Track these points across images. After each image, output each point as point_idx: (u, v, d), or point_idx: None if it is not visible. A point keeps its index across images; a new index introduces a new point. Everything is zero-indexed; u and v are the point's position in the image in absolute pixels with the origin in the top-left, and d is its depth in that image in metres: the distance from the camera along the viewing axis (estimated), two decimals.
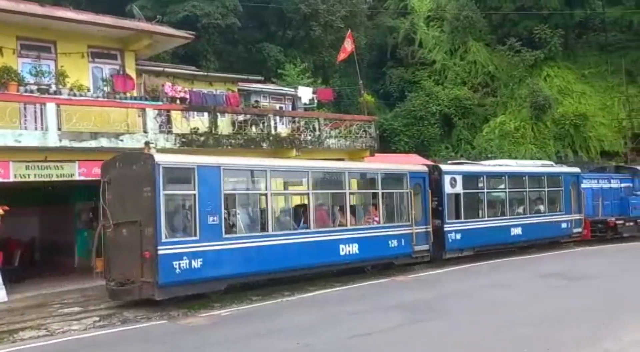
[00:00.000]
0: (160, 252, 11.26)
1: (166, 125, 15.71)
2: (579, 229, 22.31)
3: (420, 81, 38.07)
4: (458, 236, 17.79)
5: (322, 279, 14.77)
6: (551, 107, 35.38)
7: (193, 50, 29.21)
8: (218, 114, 16.80)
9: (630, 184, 25.41)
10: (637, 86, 37.48)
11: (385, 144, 32.07)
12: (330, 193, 15.23)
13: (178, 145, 15.53)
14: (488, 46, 39.51)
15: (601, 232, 23.57)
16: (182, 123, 16.39)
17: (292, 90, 23.35)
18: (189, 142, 15.76)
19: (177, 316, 11.56)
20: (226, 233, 12.45)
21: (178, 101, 17.59)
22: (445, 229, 17.42)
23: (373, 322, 10.23)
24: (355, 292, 13.68)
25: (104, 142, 14.25)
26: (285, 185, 15.23)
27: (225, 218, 12.56)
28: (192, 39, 20.17)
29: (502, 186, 19.99)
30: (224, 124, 17.43)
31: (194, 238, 11.86)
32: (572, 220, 21.94)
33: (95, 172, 14.56)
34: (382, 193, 15.95)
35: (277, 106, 21.98)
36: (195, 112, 17.25)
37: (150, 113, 15.21)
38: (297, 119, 18.91)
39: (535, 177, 21.27)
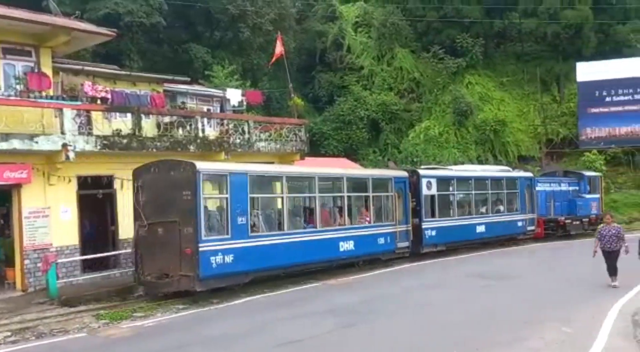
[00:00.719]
0: (200, 249, 12.61)
1: (86, 127, 14.89)
2: (533, 227, 24.82)
3: (349, 86, 38.46)
4: (433, 233, 20.03)
5: (252, 285, 14.50)
6: (473, 113, 36.77)
7: (115, 49, 28.04)
8: (142, 115, 16.12)
9: (577, 187, 28.07)
10: (550, 94, 39.66)
11: (315, 147, 32.15)
12: (332, 196, 17.24)
13: (99, 147, 14.76)
14: (413, 53, 40.53)
15: (552, 230, 25.87)
16: (103, 124, 15.58)
17: (221, 92, 22.84)
18: (111, 145, 15.03)
19: (97, 327, 10.95)
20: (251, 232, 14.00)
21: (99, 101, 16.78)
22: (423, 227, 19.58)
23: (304, 328, 10.09)
24: (286, 298, 13.51)
25: (16, 144, 13.28)
26: (296, 189, 16.58)
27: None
28: (114, 37, 19.30)
29: (469, 189, 22.50)
30: (149, 126, 16.74)
31: (226, 236, 13.32)
32: (527, 219, 24.60)
33: (7, 176, 13.58)
34: (372, 196, 17.87)
35: (205, 108, 21.42)
36: (118, 113, 16.46)
37: (68, 113, 14.35)
38: (225, 122, 18.50)
39: (496, 181, 23.95)
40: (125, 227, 15.15)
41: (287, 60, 24.89)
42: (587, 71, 36.83)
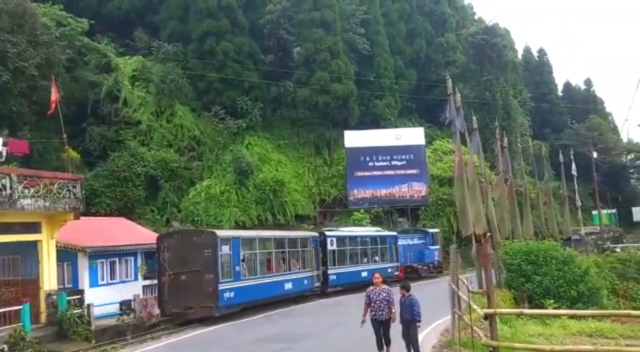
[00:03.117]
0: (219, 288, 19.09)
1: None
2: (397, 272, 32.40)
3: (125, 141, 36.06)
4: (335, 277, 27.21)
5: None
6: (253, 173, 37.51)
7: None
8: None
9: (424, 241, 36.14)
10: (322, 158, 42.79)
11: (84, 205, 29.03)
12: (280, 251, 24.16)
13: None
14: (194, 111, 40.19)
15: (409, 274, 33.44)
16: None
17: None
18: None
19: None
20: (243, 276, 20.67)
21: None
22: (329, 273, 26.80)
23: None
24: None
25: None
26: (263, 246, 23.12)
27: None
28: None
29: (356, 244, 30.00)
30: None
31: (230, 279, 19.93)
32: (394, 266, 32.22)
33: None
34: (300, 250, 25.44)
35: None
36: None
37: None
38: None
39: (373, 238, 31.73)
40: None
41: (55, 109, 22.43)
42: (353, 138, 40.84)
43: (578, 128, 65.67)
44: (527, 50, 74.01)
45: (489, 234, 10.62)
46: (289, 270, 24.09)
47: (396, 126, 45.39)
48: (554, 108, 68.69)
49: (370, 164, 41.05)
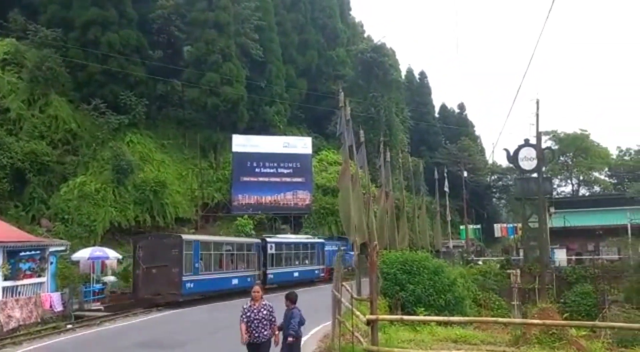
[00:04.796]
0: (183, 279, 24.17)
1: None
2: (323, 274, 36.62)
3: None
4: (272, 276, 31.46)
5: None
6: (133, 172, 35.82)
7: None
8: None
9: (346, 247, 38.26)
10: (208, 161, 41.95)
11: None
12: (230, 253, 28.87)
13: None
14: (72, 103, 37.61)
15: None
16: None
17: None
18: None
19: None
20: (200, 271, 25.60)
21: None
22: (267, 272, 31.24)
23: None
24: None
25: None
26: (217, 248, 28.10)
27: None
28: None
29: (291, 249, 34.29)
30: None
31: (191, 273, 24.84)
32: (320, 268, 36.84)
33: None
34: (245, 253, 29.97)
35: None
36: None
37: None
38: None
39: (304, 244, 36.19)
40: None
41: None
42: (241, 143, 40.58)
43: (451, 148, 70.45)
44: (409, 72, 78.28)
45: (375, 243, 11.04)
46: (236, 269, 28.68)
47: (285, 134, 45.85)
48: (431, 128, 73.23)
49: (257, 170, 40.99)
